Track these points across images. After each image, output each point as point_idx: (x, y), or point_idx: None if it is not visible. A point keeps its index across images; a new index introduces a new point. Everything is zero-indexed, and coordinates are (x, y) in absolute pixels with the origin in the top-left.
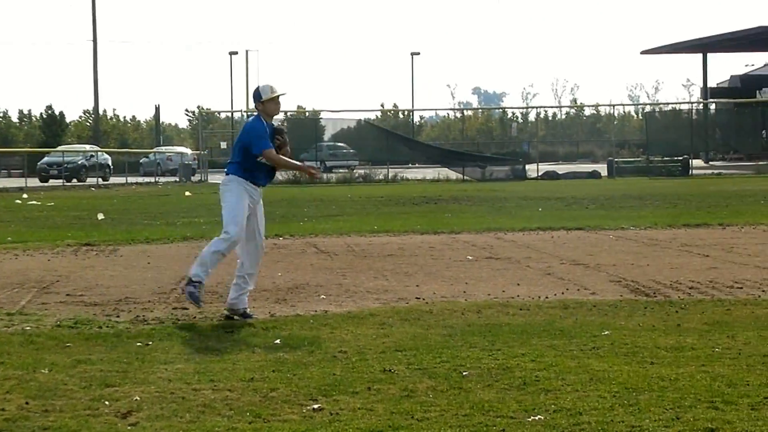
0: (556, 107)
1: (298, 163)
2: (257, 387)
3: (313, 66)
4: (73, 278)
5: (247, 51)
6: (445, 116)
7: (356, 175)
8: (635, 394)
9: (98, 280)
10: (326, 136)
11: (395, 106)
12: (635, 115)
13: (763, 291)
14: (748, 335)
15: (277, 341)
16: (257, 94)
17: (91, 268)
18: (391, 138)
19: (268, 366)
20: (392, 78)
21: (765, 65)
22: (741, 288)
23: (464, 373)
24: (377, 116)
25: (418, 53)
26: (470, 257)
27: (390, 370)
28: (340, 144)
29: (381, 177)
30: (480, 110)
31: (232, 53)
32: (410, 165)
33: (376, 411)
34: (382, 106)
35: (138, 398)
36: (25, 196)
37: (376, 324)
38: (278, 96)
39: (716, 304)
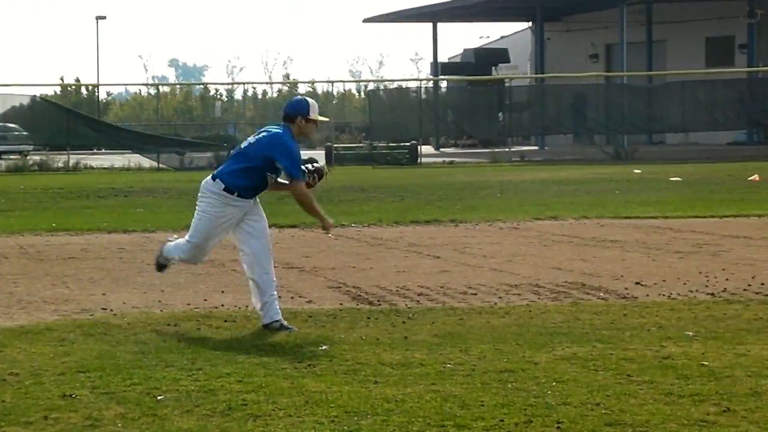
0: (267, 83)
1: (323, 214)
2: None
3: None
4: None
5: None
6: (136, 92)
7: (30, 162)
8: (357, 419)
9: None
10: None
11: (77, 80)
12: (357, 94)
13: (500, 297)
14: (483, 348)
15: None
16: (303, 107)
17: None
18: (72, 118)
19: None
20: (74, 47)
21: (501, 38)
22: (475, 294)
23: (159, 398)
24: (56, 92)
25: (104, 17)
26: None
27: (71, 395)
28: (11, 125)
29: (60, 165)
30: (178, 86)
31: None
32: (95, 150)
33: None
34: (62, 80)
35: None
36: None
37: (54, 340)
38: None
39: (448, 313)
